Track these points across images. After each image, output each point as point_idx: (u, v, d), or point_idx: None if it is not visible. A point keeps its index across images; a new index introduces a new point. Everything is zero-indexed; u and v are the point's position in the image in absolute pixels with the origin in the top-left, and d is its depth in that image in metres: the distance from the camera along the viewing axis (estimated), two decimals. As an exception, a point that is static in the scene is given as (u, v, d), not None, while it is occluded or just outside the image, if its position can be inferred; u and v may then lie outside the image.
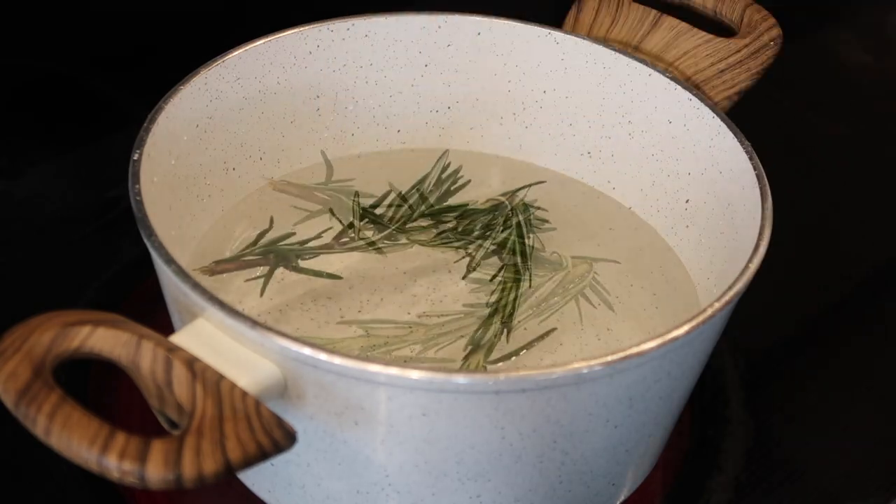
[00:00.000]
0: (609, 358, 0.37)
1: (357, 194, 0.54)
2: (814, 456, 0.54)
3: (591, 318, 0.49)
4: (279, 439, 0.35)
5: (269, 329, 0.37)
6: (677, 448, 0.52)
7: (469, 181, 0.56)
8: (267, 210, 0.54)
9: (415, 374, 0.36)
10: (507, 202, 0.54)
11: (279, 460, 0.36)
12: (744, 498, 0.50)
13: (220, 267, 0.50)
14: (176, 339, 0.37)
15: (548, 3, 0.64)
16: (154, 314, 0.51)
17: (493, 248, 0.52)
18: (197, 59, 0.51)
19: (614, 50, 0.54)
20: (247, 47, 0.52)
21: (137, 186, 0.43)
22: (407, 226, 0.53)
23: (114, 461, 0.33)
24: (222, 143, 0.53)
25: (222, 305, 0.37)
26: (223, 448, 0.34)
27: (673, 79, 0.52)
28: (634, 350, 0.37)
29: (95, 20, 0.78)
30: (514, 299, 0.49)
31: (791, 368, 0.59)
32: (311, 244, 0.52)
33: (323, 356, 0.36)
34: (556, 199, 0.56)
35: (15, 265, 0.60)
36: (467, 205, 0.54)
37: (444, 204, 0.54)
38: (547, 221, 0.54)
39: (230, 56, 0.52)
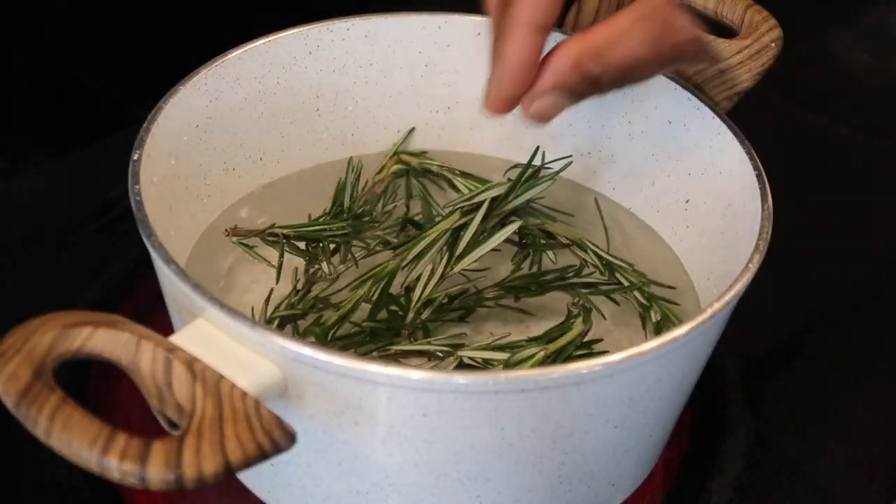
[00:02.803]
0: (609, 358, 0.37)
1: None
2: (814, 456, 0.53)
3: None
4: (279, 440, 0.35)
5: (269, 329, 0.37)
6: (677, 448, 0.52)
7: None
8: (267, 210, 0.54)
9: (415, 375, 0.36)
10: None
11: (279, 460, 0.36)
12: (744, 498, 0.50)
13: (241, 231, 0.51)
14: (176, 339, 0.37)
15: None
16: (154, 314, 0.51)
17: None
18: (197, 60, 0.51)
19: (614, 50, 0.54)
20: (247, 47, 0.52)
21: (137, 187, 0.43)
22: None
23: (114, 462, 0.33)
24: (222, 143, 0.53)
25: (222, 305, 0.37)
26: (223, 449, 0.34)
27: (673, 79, 0.52)
28: (635, 350, 0.37)
29: (95, 20, 0.78)
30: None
31: (791, 368, 0.59)
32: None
33: (323, 356, 0.36)
34: (555, 199, 0.56)
35: (15, 266, 0.60)
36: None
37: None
38: (548, 221, 0.54)
39: (230, 56, 0.52)
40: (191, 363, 0.36)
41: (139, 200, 0.43)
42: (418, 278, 0.48)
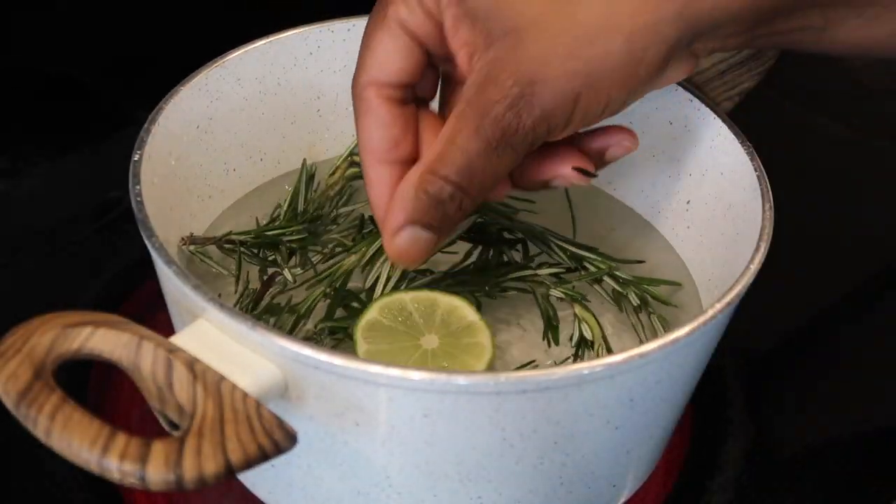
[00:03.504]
0: (610, 359, 0.37)
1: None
2: (814, 456, 0.54)
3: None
4: (280, 440, 0.35)
5: (270, 330, 0.37)
6: (678, 449, 0.52)
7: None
8: (268, 210, 0.54)
9: (416, 376, 0.36)
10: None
11: (280, 461, 0.36)
12: (744, 498, 0.50)
13: (198, 239, 0.50)
14: (176, 340, 0.37)
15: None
16: (154, 315, 0.51)
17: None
18: (197, 60, 0.51)
19: (615, 50, 0.54)
20: (247, 48, 0.52)
21: (138, 187, 0.43)
22: None
23: (114, 462, 0.33)
24: (223, 143, 0.53)
25: (223, 306, 0.37)
26: (224, 449, 0.34)
27: (673, 79, 0.52)
28: (636, 351, 0.37)
29: (96, 21, 0.78)
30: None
31: (791, 369, 0.59)
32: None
33: (324, 357, 0.36)
34: (556, 199, 0.56)
35: (15, 266, 0.60)
36: None
37: None
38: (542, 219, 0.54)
39: (231, 57, 0.52)
40: (192, 364, 0.36)
41: (140, 201, 0.43)
42: (377, 278, 0.48)
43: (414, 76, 0.42)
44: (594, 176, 0.43)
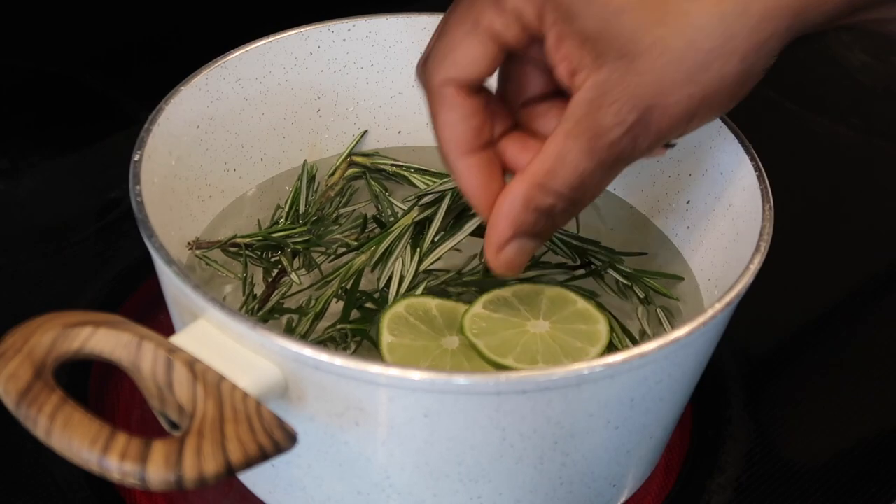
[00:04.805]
0: (610, 359, 0.37)
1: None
2: (814, 456, 0.54)
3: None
4: (280, 440, 0.35)
5: (270, 330, 0.37)
6: (678, 449, 0.52)
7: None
8: (267, 210, 0.54)
9: (416, 376, 0.36)
10: None
11: (280, 461, 0.36)
12: (744, 499, 0.50)
13: (203, 244, 0.50)
14: (176, 340, 0.37)
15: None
16: (155, 315, 0.51)
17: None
18: (198, 60, 0.51)
19: (615, 50, 0.54)
20: (247, 48, 0.52)
21: (138, 187, 0.43)
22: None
23: (115, 462, 0.33)
24: (223, 143, 0.53)
25: (223, 306, 0.37)
26: (224, 449, 0.34)
27: (673, 79, 0.52)
28: (636, 351, 0.37)
29: (96, 21, 0.78)
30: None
31: (791, 369, 0.59)
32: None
33: (324, 357, 0.36)
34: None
35: (15, 266, 0.60)
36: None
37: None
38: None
39: (231, 57, 0.52)
40: (192, 364, 0.36)
41: (140, 201, 0.43)
42: (390, 277, 0.48)
43: (493, 71, 0.42)
44: (672, 146, 0.43)
